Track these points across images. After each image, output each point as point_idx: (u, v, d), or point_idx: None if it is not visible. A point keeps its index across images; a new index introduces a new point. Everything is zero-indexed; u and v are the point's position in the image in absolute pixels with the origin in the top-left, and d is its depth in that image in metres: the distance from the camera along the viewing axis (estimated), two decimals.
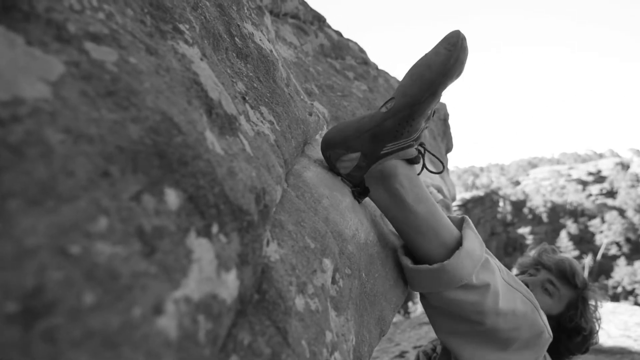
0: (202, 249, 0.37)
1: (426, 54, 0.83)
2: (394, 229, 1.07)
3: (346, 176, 0.94)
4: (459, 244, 0.91)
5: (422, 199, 0.91)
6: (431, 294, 0.95)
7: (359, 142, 0.88)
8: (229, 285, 0.40)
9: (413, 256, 0.99)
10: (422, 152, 0.95)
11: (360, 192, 0.96)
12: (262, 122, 0.71)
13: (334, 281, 0.69)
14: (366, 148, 0.88)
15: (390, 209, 0.93)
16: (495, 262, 0.98)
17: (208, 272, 0.36)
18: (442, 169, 1.07)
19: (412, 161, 0.92)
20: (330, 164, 0.93)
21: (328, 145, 0.91)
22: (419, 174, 0.97)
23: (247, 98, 0.70)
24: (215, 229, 0.40)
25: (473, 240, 0.92)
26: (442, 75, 0.80)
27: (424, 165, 0.98)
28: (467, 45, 0.80)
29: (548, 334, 1.01)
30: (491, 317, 0.91)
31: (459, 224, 0.99)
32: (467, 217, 1.00)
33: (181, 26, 0.58)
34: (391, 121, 0.85)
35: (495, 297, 0.90)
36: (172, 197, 0.35)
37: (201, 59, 0.58)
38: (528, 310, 0.97)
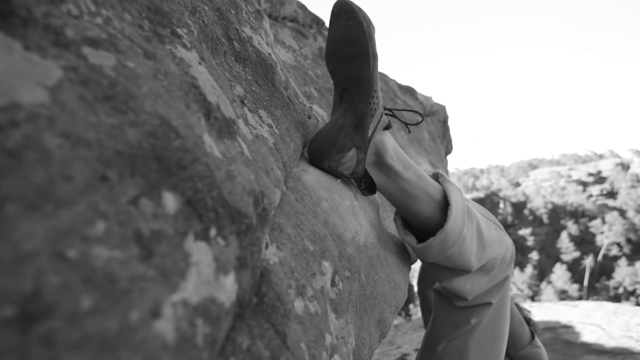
0: (200, 252, 0.37)
1: (333, 35, 0.89)
2: (393, 231, 1.10)
3: (351, 175, 0.95)
4: (444, 198, 1.01)
5: (408, 166, 1.01)
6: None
7: (347, 140, 0.91)
8: (228, 289, 0.40)
9: (410, 228, 1.09)
10: (392, 113, 1.06)
11: (367, 186, 1.02)
12: (260, 125, 0.71)
13: (333, 284, 0.69)
14: (357, 140, 0.92)
15: (387, 186, 1.01)
16: (468, 200, 1.11)
17: (206, 276, 0.36)
18: (421, 120, 1.14)
19: (387, 127, 1.00)
20: (333, 171, 0.94)
21: (322, 158, 0.92)
22: (409, 132, 1.17)
23: (245, 101, 0.70)
24: (213, 232, 0.40)
25: (456, 193, 1.01)
26: (368, 39, 0.85)
27: (407, 125, 1.10)
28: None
29: (512, 247, 1.15)
30: (482, 251, 1.04)
31: (435, 178, 1.09)
32: (440, 171, 1.10)
33: (179, 30, 0.58)
34: (362, 104, 0.90)
35: (480, 231, 1.04)
36: (170, 201, 0.36)
37: (199, 63, 0.58)
38: (500, 233, 1.12)
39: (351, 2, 0.87)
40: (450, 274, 1.07)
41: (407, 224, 1.11)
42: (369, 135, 0.94)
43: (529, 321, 1.61)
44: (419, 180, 1.00)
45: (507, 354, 1.50)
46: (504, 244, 1.11)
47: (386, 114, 1.02)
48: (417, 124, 1.11)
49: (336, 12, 0.88)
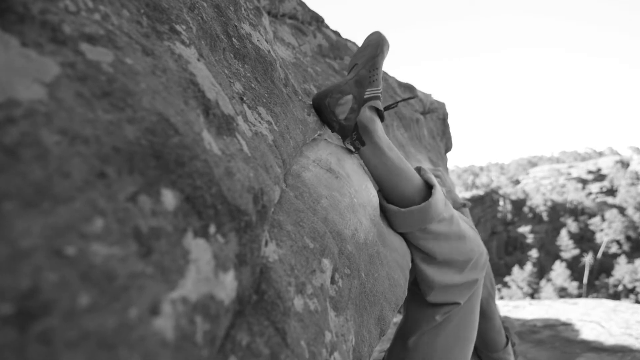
0: (199, 249, 0.37)
1: (363, 43, 1.29)
2: (393, 230, 1.11)
3: (344, 120, 1.09)
4: (426, 186, 1.18)
5: (392, 147, 1.18)
6: (413, 235, 1.17)
7: (348, 87, 1.10)
8: (227, 286, 0.40)
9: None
10: (389, 107, 1.33)
11: (357, 137, 1.15)
12: (260, 122, 0.70)
13: (333, 281, 0.69)
14: (355, 91, 1.11)
15: (371, 159, 1.17)
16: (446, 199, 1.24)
17: (205, 273, 0.36)
18: (412, 97, 1.46)
19: (380, 116, 1.22)
20: (329, 112, 1.06)
21: (325, 93, 1.07)
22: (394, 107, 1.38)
23: (244, 98, 0.70)
24: (212, 229, 0.40)
25: (437, 184, 1.17)
26: (380, 39, 1.26)
27: (395, 104, 1.36)
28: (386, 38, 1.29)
29: (486, 254, 1.28)
30: (458, 241, 1.17)
31: (417, 170, 1.24)
32: (422, 167, 1.25)
33: (178, 27, 0.58)
34: (364, 70, 1.17)
35: (458, 223, 1.19)
36: (169, 198, 0.35)
37: (198, 60, 0.58)
38: (476, 236, 1.26)
39: (380, 32, 1.29)
40: (425, 261, 1.19)
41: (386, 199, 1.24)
42: (365, 96, 1.15)
43: (506, 329, 1.69)
44: (400, 162, 1.16)
45: (480, 355, 1.61)
46: (479, 246, 1.24)
47: (386, 109, 1.29)
48: (406, 99, 1.34)
49: (367, 36, 1.30)
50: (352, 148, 1.18)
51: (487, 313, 1.52)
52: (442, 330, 1.20)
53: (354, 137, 1.15)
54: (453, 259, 1.17)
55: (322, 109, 1.07)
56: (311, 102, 1.10)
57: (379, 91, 1.20)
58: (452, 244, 1.17)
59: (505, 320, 1.79)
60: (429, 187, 1.18)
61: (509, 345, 1.60)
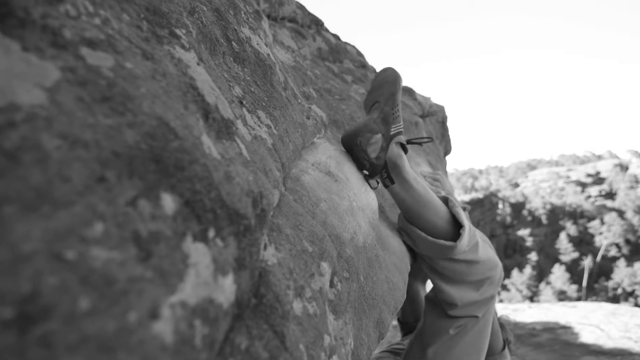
0: (198, 253, 0.37)
1: (375, 79, 1.33)
2: (392, 232, 1.12)
3: (375, 159, 1.13)
4: (452, 217, 1.22)
5: (418, 180, 1.21)
6: (434, 260, 1.22)
7: (376, 125, 1.14)
8: (226, 290, 0.40)
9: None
10: (410, 142, 1.41)
11: (387, 176, 1.19)
12: (259, 126, 0.71)
13: (332, 284, 0.69)
14: (383, 129, 1.15)
15: (400, 193, 1.20)
16: (470, 223, 1.28)
17: (204, 277, 0.36)
18: (431, 140, 1.51)
19: (404, 149, 1.23)
20: (361, 150, 1.11)
21: (357, 133, 1.12)
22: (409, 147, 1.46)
23: (244, 102, 0.70)
24: (211, 233, 0.40)
25: (465, 218, 1.21)
26: (397, 76, 1.28)
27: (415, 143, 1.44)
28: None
29: (501, 270, 1.31)
30: (476, 266, 1.20)
31: (444, 201, 1.28)
32: (448, 196, 1.28)
33: (178, 31, 0.58)
34: (387, 107, 1.20)
35: (478, 250, 1.21)
36: (169, 202, 0.36)
37: (198, 64, 0.58)
38: (493, 254, 1.30)
39: (393, 68, 1.32)
40: (443, 279, 1.24)
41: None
42: (391, 133, 1.18)
43: (502, 327, 1.71)
44: (427, 194, 1.20)
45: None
46: (494, 264, 1.27)
47: (409, 143, 1.36)
48: (427, 141, 1.47)
49: (379, 72, 1.34)
50: (381, 184, 1.23)
51: None
52: (460, 340, 1.23)
53: (384, 175, 1.19)
54: (470, 280, 1.22)
55: (354, 148, 1.12)
56: (340, 139, 1.17)
57: (402, 126, 1.23)
58: (471, 269, 1.21)
59: (500, 317, 1.80)
60: (456, 223, 1.22)
61: (506, 349, 1.62)
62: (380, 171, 1.17)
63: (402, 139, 1.22)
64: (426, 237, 1.19)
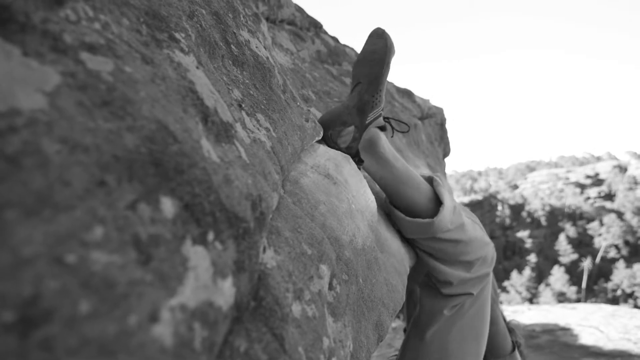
0: (198, 256, 0.37)
1: (364, 49, 1.20)
2: (391, 234, 1.12)
3: (346, 149, 1.15)
4: (435, 195, 1.20)
5: (397, 158, 1.21)
6: (420, 241, 1.22)
7: (350, 117, 1.14)
8: (225, 293, 0.40)
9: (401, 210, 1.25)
10: (388, 121, 1.30)
11: (358, 160, 1.18)
12: (258, 129, 0.71)
13: (331, 287, 0.69)
14: (357, 121, 1.15)
15: (378, 171, 1.19)
16: (456, 204, 1.27)
17: (204, 280, 0.37)
18: (407, 130, 1.43)
19: (382, 129, 1.22)
20: (332, 142, 1.13)
21: (329, 126, 1.13)
22: (392, 136, 1.34)
23: (243, 105, 0.71)
24: (211, 236, 0.40)
25: (448, 198, 1.19)
26: (387, 52, 1.17)
27: (393, 129, 1.33)
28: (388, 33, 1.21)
29: (493, 249, 1.32)
30: (465, 246, 1.20)
31: (429, 180, 1.27)
32: (433, 176, 1.27)
33: (177, 35, 0.58)
34: (367, 95, 1.16)
35: (465, 230, 1.20)
36: (168, 206, 0.36)
37: (197, 67, 0.58)
38: (483, 235, 1.29)
39: (383, 29, 1.20)
40: (432, 258, 1.23)
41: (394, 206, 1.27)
42: (367, 121, 1.16)
43: (511, 331, 1.70)
44: (407, 171, 1.20)
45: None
46: (485, 244, 1.27)
47: (384, 119, 1.26)
48: (403, 132, 1.38)
49: (371, 34, 1.22)
50: None
51: (492, 318, 1.53)
52: (458, 321, 1.23)
53: (356, 160, 1.18)
54: (461, 260, 1.21)
55: (325, 139, 1.13)
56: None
57: (381, 109, 1.20)
58: (459, 248, 1.20)
59: (510, 321, 1.80)
60: (439, 200, 1.20)
61: (516, 351, 1.61)
62: (352, 157, 1.16)
63: (380, 121, 1.21)
64: (404, 217, 1.19)
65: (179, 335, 0.32)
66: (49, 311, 0.25)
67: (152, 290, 0.31)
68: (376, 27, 1.21)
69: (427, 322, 1.25)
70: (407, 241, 1.28)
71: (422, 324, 1.27)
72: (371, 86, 1.16)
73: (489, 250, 1.28)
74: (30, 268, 0.25)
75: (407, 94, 2.97)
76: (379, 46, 1.17)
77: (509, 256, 49.90)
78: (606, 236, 48.24)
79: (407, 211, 1.21)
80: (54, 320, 0.25)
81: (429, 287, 1.29)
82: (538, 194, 62.77)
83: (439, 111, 3.60)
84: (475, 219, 1.37)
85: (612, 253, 47.33)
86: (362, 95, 1.16)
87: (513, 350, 1.60)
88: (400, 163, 1.20)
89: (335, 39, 2.49)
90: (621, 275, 39.53)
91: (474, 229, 1.25)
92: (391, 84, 2.91)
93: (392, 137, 1.38)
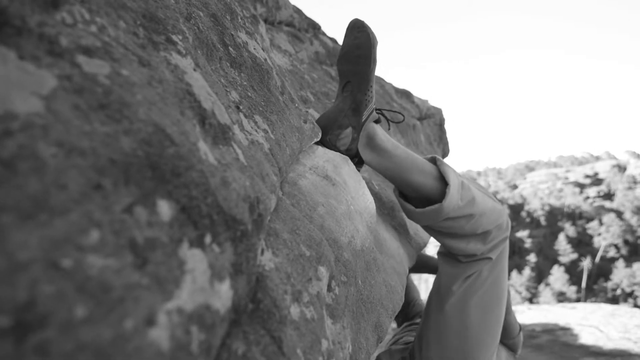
0: (195, 259, 0.37)
1: (346, 43, 1.17)
2: (390, 235, 1.12)
3: (346, 151, 1.16)
4: (440, 174, 1.18)
5: (397, 146, 1.20)
6: (435, 225, 1.19)
7: (346, 119, 1.14)
8: (223, 295, 0.40)
9: (406, 198, 1.26)
10: (381, 112, 1.30)
11: (358, 161, 1.20)
12: (256, 130, 0.71)
13: (329, 289, 0.69)
14: (353, 121, 1.15)
15: (382, 163, 1.18)
16: (463, 179, 1.25)
17: (201, 283, 0.36)
18: (402, 119, 1.40)
19: (377, 122, 1.21)
20: (332, 145, 1.14)
21: (326, 129, 1.13)
22: (389, 129, 1.38)
23: (241, 107, 0.71)
24: (208, 239, 0.40)
25: (453, 175, 1.16)
26: (371, 47, 1.13)
27: (388, 120, 1.33)
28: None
29: (507, 215, 1.28)
30: (478, 219, 1.17)
31: (432, 160, 1.24)
32: (436, 155, 1.24)
33: (174, 37, 0.58)
34: (359, 94, 1.15)
35: (476, 203, 1.17)
36: (165, 209, 0.36)
37: (194, 70, 0.58)
38: (494, 204, 1.25)
39: (362, 20, 1.16)
40: (448, 237, 1.21)
41: (404, 195, 1.27)
42: (363, 120, 1.16)
43: None
44: (409, 156, 1.18)
45: (501, 341, 1.61)
46: (498, 213, 1.23)
47: (377, 112, 1.24)
48: (398, 122, 1.31)
49: (351, 26, 1.17)
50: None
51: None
52: (477, 290, 1.22)
53: (355, 161, 1.19)
54: (476, 233, 1.19)
55: (324, 143, 1.14)
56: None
57: (373, 104, 1.20)
58: (473, 221, 1.18)
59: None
60: (444, 180, 1.19)
61: (520, 334, 1.63)
62: (352, 158, 1.17)
63: (375, 116, 1.20)
64: (414, 210, 1.18)
65: (176, 338, 0.32)
66: (45, 316, 0.25)
67: (149, 294, 0.30)
68: (354, 18, 1.19)
69: (447, 291, 1.24)
70: (408, 242, 1.28)
71: (441, 294, 1.26)
72: (362, 84, 1.15)
73: (503, 217, 1.25)
74: (26, 273, 0.25)
75: (405, 94, 2.97)
76: (362, 40, 1.15)
77: (509, 256, 49.88)
78: (605, 235, 48.29)
79: (417, 195, 1.20)
80: (49, 325, 0.25)
81: (447, 256, 1.29)
82: (537, 193, 62.82)
83: (438, 111, 3.60)
84: (484, 190, 1.34)
85: (612, 252, 47.39)
86: (355, 96, 1.15)
87: (519, 332, 1.62)
88: (400, 150, 1.19)
89: (333, 40, 2.49)
90: (621, 275, 39.57)
91: (485, 201, 1.23)
92: (390, 84, 2.91)
93: (389, 130, 1.38)
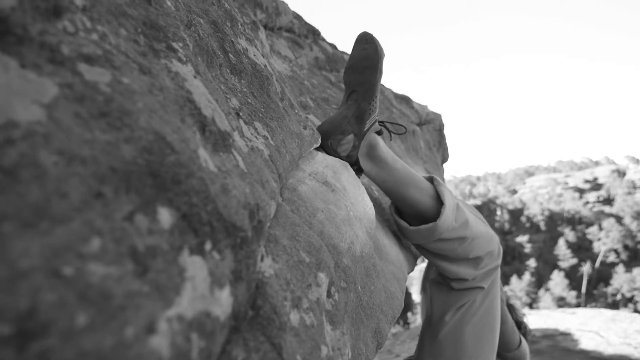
0: (195, 266, 0.37)
1: (354, 55, 1.20)
2: (390, 241, 1.13)
3: (346, 158, 1.17)
4: (436, 193, 1.22)
5: (397, 159, 1.23)
6: (428, 245, 1.22)
7: (349, 126, 1.16)
8: (223, 302, 0.40)
9: (402, 215, 1.29)
10: (384, 124, 1.31)
11: (357, 169, 1.21)
12: (256, 137, 0.71)
13: (329, 295, 0.69)
14: (355, 129, 1.17)
15: (380, 174, 1.21)
16: (459, 201, 1.28)
17: (201, 290, 0.37)
18: (404, 131, 1.41)
19: (379, 133, 1.24)
20: (332, 150, 1.15)
21: (328, 134, 1.14)
22: (390, 140, 1.41)
23: (241, 114, 0.71)
24: (208, 246, 0.40)
25: (449, 196, 1.20)
26: (379, 58, 1.17)
27: (390, 132, 1.34)
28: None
29: (498, 242, 1.33)
30: (471, 242, 1.20)
31: (430, 180, 1.28)
32: (433, 175, 1.28)
33: (175, 44, 0.59)
34: (364, 103, 1.18)
35: (469, 227, 1.20)
36: (165, 216, 0.36)
37: (195, 77, 0.59)
38: (487, 229, 1.29)
39: (371, 33, 1.20)
40: (440, 259, 1.24)
41: (399, 211, 1.30)
42: (365, 129, 1.18)
43: (520, 325, 1.77)
44: (407, 171, 1.21)
45: (499, 354, 1.64)
46: (490, 238, 1.28)
47: (379, 124, 1.27)
48: (401, 134, 1.36)
49: (359, 39, 1.21)
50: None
51: (501, 317, 1.56)
52: (471, 319, 1.25)
53: (355, 168, 1.20)
54: (469, 257, 1.22)
55: (325, 148, 1.15)
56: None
57: (377, 114, 1.22)
58: (466, 245, 1.20)
59: (508, 297, 1.86)
60: (440, 200, 1.21)
61: (522, 343, 1.66)
62: (352, 165, 1.19)
63: (377, 127, 1.23)
64: (407, 227, 1.20)
65: (176, 346, 0.32)
66: (46, 324, 0.25)
67: (149, 301, 0.31)
68: (362, 31, 1.23)
69: (440, 321, 1.27)
70: (408, 248, 1.29)
71: (434, 322, 1.29)
72: (367, 94, 1.17)
73: (496, 244, 1.29)
74: (27, 281, 0.25)
75: (405, 100, 2.98)
76: (370, 52, 1.18)
77: (509, 261, 49.84)
78: (605, 240, 48.25)
79: (412, 212, 1.22)
80: (51, 333, 0.25)
81: (440, 284, 1.31)
82: (537, 198, 62.83)
83: (437, 117, 3.61)
84: (478, 214, 1.38)
85: (612, 257, 47.33)
86: (359, 104, 1.17)
87: (520, 343, 1.64)
88: (399, 164, 1.21)
89: (333, 46, 2.50)
90: (621, 280, 39.51)
91: (478, 225, 1.26)
92: (389, 90, 2.92)
93: (390, 140, 1.43)
